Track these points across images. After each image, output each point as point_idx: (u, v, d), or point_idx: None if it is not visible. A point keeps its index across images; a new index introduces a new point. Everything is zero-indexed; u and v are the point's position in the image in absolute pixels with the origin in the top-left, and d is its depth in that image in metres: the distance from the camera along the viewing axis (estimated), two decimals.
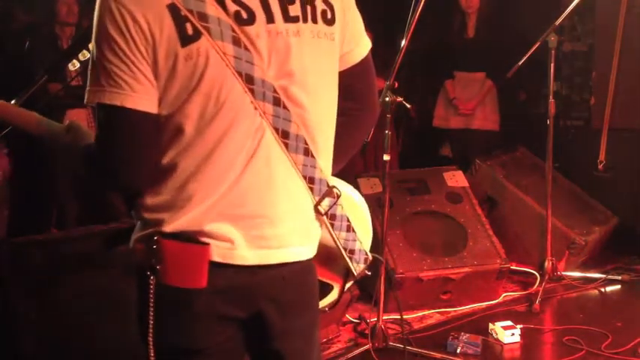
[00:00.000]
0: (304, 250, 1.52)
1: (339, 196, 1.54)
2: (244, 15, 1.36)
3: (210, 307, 1.42)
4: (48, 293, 2.53)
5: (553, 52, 4.01)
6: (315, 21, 1.46)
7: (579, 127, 5.41)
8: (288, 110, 1.42)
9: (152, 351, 1.42)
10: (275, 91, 1.40)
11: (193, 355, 1.47)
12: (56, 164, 4.34)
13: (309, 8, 1.45)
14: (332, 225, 1.55)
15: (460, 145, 5.31)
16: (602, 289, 4.26)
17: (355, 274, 1.65)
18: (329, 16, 1.48)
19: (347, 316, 3.65)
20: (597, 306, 4.10)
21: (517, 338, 3.45)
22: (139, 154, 1.38)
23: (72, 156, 1.57)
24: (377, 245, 3.29)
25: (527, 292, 4.17)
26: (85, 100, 1.37)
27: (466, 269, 3.86)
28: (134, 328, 1.48)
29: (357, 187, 3.98)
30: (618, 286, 4.28)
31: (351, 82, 1.57)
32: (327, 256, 1.61)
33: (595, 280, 4.31)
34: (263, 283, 1.46)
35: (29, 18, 4.72)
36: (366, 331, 3.44)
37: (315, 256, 1.56)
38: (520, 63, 4.10)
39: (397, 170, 4.74)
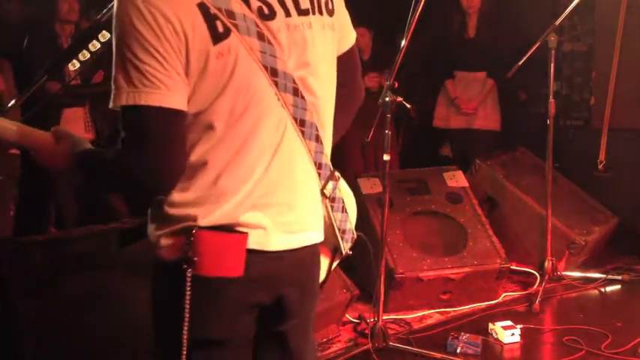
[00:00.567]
0: (316, 234, 1.58)
1: (338, 179, 1.61)
2: (266, 10, 1.41)
3: (243, 295, 1.46)
4: (48, 293, 2.53)
5: (553, 52, 4.01)
6: (321, 12, 1.52)
7: (579, 127, 5.41)
8: (305, 100, 1.48)
9: (185, 346, 1.42)
10: (294, 82, 1.45)
11: (220, 346, 1.48)
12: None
13: (315, 0, 1.50)
14: (332, 207, 1.60)
15: (460, 145, 5.31)
16: (602, 289, 4.25)
17: (343, 253, 1.68)
18: (330, 6, 1.56)
19: (347, 316, 3.65)
20: (597, 306, 4.10)
21: (517, 338, 3.45)
22: (175, 153, 1.38)
23: (86, 167, 1.52)
24: (377, 245, 3.31)
25: (527, 292, 4.16)
26: (113, 104, 1.34)
27: (466, 269, 3.86)
28: (148, 326, 1.49)
29: (357, 187, 4.00)
30: (618, 286, 4.28)
31: (341, 69, 1.62)
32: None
33: (595, 280, 4.31)
34: (288, 268, 1.51)
35: (26, 14, 4.69)
36: (366, 331, 3.43)
37: None
38: (520, 63, 4.10)
39: (397, 170, 4.74)
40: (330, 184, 1.58)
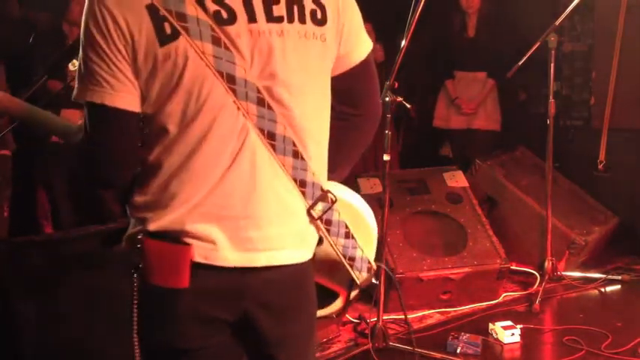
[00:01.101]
0: (297, 254, 1.49)
1: (334, 202, 1.51)
2: (225, 15, 1.36)
3: (193, 308, 1.42)
4: (48, 293, 2.53)
5: (553, 52, 4.01)
6: (302, 21, 1.44)
7: (579, 127, 5.41)
8: (273, 111, 1.41)
9: (137, 349, 1.43)
10: (259, 91, 1.40)
11: (181, 355, 1.46)
12: (51, 164, 4.34)
13: (295, 8, 1.43)
14: (328, 230, 1.53)
15: (460, 145, 5.31)
16: (602, 289, 4.25)
17: (358, 282, 1.62)
18: (319, 16, 1.46)
19: (347, 316, 3.65)
20: (597, 306, 4.10)
21: (517, 338, 3.45)
22: (119, 150, 1.41)
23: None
24: (377, 245, 3.31)
25: (527, 292, 4.16)
26: (72, 97, 1.40)
27: (466, 269, 3.86)
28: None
29: (357, 187, 4.00)
30: (618, 286, 4.28)
31: (350, 86, 1.55)
32: (330, 264, 1.59)
33: (595, 280, 4.31)
34: (251, 286, 1.45)
35: (33, 13, 4.68)
36: (366, 331, 3.44)
37: (319, 264, 1.55)
38: (520, 63, 4.10)
39: (397, 170, 4.74)
40: (320, 205, 1.49)
